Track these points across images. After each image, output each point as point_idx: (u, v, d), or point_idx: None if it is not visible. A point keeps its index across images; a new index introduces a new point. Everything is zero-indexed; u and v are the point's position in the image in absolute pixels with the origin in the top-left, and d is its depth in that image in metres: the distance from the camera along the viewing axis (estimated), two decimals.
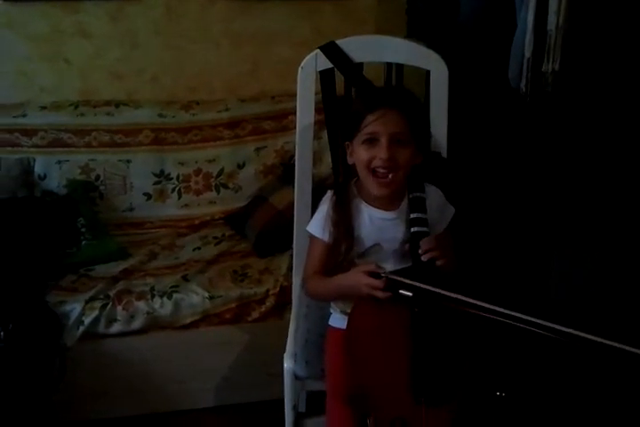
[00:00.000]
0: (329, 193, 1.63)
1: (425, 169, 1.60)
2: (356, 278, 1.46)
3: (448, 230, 1.66)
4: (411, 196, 1.57)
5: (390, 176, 1.49)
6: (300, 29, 2.87)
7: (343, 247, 1.56)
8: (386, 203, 1.58)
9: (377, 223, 1.58)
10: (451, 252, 1.54)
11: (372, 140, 1.48)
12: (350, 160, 1.58)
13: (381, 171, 1.49)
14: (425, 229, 1.52)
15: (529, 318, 1.32)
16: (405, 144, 1.49)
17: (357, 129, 1.50)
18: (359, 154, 1.51)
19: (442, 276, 1.44)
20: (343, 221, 1.56)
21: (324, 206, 1.61)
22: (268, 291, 2.25)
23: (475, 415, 1.44)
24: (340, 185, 1.65)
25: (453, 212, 1.67)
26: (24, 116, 2.64)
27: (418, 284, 1.39)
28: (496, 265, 2.32)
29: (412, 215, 1.54)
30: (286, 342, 1.81)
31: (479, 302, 1.34)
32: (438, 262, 1.46)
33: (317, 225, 1.60)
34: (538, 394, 2.07)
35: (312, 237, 1.62)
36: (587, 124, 2.00)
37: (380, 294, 1.42)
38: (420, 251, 1.47)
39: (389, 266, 1.54)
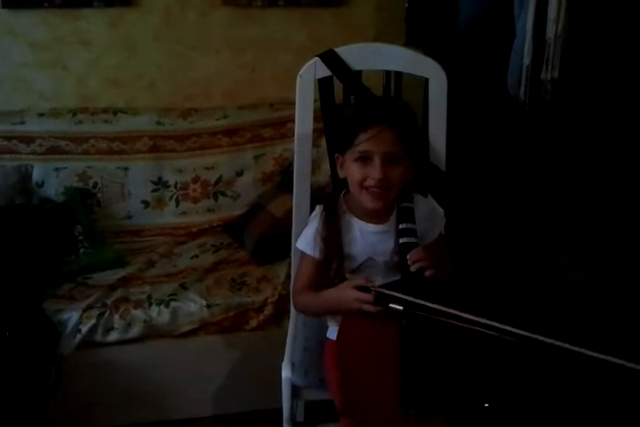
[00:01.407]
0: (318, 208, 1.61)
1: (414, 180, 1.58)
2: (345, 293, 1.45)
3: (440, 240, 1.66)
4: (399, 206, 1.56)
5: (383, 193, 1.48)
6: (298, 37, 2.87)
7: (334, 264, 1.55)
8: (376, 216, 1.57)
9: (368, 238, 1.57)
10: (443, 261, 1.53)
11: (364, 159, 1.46)
12: (341, 173, 1.56)
13: (375, 190, 1.47)
14: (413, 239, 1.51)
15: (518, 332, 1.31)
16: (399, 162, 1.47)
17: (349, 145, 1.48)
18: (352, 171, 1.49)
19: (431, 286, 1.43)
20: (333, 239, 1.55)
21: (314, 223, 1.59)
22: (266, 299, 2.24)
23: None
24: (329, 200, 1.63)
25: (444, 220, 1.66)
26: (22, 123, 2.63)
27: (407, 297, 1.37)
28: (495, 271, 2.32)
29: (400, 226, 1.53)
30: (285, 350, 1.81)
31: (469, 316, 1.33)
32: (427, 273, 1.44)
33: (307, 242, 1.58)
34: (526, 405, 2.06)
35: (302, 254, 1.60)
36: (586, 132, 2.00)
37: (369, 309, 1.40)
38: (408, 262, 1.46)
39: (382, 279, 1.54)
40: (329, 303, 1.52)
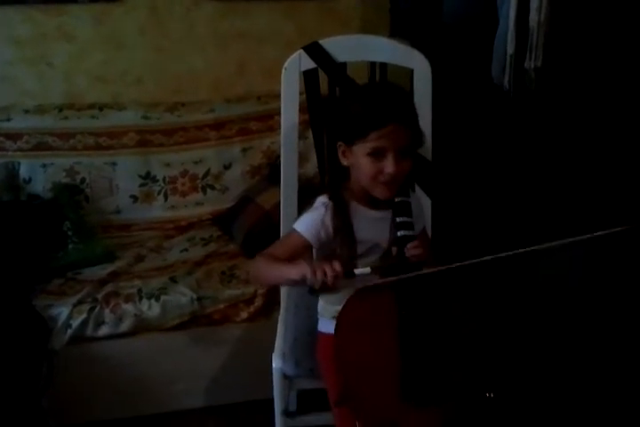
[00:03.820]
0: (323, 199, 1.58)
1: (412, 175, 1.60)
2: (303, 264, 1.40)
3: (425, 232, 1.70)
4: (396, 200, 1.56)
5: (395, 185, 1.51)
6: (284, 30, 2.87)
7: (346, 253, 1.54)
8: (377, 203, 1.57)
9: (374, 224, 1.58)
10: (430, 250, 1.56)
11: (377, 154, 1.46)
12: (344, 161, 1.55)
13: (388, 183, 1.49)
14: (411, 232, 1.52)
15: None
16: (408, 155, 1.49)
17: (360, 138, 1.47)
18: (363, 165, 1.49)
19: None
20: (346, 229, 1.54)
21: (319, 212, 1.55)
22: (256, 291, 2.24)
23: (465, 417, 1.44)
24: (334, 190, 1.60)
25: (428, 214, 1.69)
26: (8, 120, 2.62)
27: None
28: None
29: (397, 219, 1.54)
30: (275, 341, 1.82)
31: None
32: (424, 266, 1.45)
33: (307, 226, 1.55)
34: (528, 395, 2.08)
35: (294, 233, 1.56)
36: (570, 120, 2.02)
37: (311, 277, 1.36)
38: (406, 254, 1.48)
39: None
40: (285, 271, 1.44)
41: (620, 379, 1.96)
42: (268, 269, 1.51)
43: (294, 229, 1.56)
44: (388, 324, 1.43)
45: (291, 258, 1.51)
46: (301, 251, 1.55)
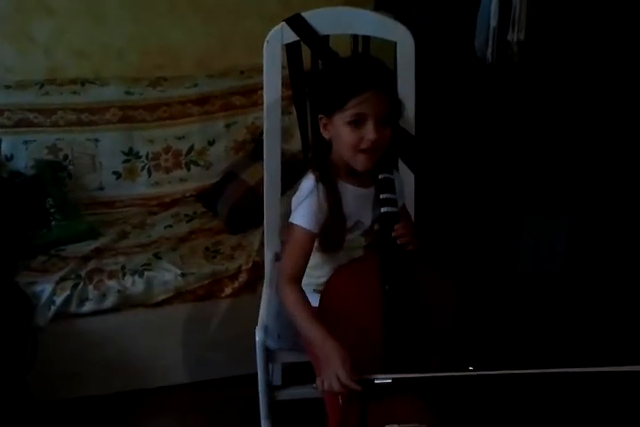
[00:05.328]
0: (310, 183, 1.56)
1: (394, 149, 1.61)
2: (333, 358, 1.34)
3: (404, 206, 1.73)
4: (380, 177, 1.57)
5: (375, 154, 1.51)
6: (269, 3, 2.84)
7: (336, 230, 1.55)
8: (359, 179, 1.58)
9: (358, 201, 1.59)
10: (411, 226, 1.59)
11: (357, 122, 1.46)
12: (326, 134, 1.55)
13: (368, 151, 1.49)
14: (395, 209, 1.55)
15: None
16: (388, 123, 1.49)
17: (340, 108, 1.47)
18: (344, 135, 1.49)
19: (409, 256, 1.50)
20: (336, 207, 1.55)
21: (311, 201, 1.53)
22: (240, 267, 2.25)
23: (446, 390, 1.45)
24: (320, 170, 1.58)
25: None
26: None
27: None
28: (466, 233, 2.34)
29: (382, 196, 1.56)
30: (259, 315, 1.82)
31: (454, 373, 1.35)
32: (410, 247, 1.51)
33: (307, 217, 1.53)
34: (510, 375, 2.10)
35: (296, 228, 1.54)
36: (552, 93, 2.02)
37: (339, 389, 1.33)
38: (394, 233, 1.51)
39: (365, 241, 1.62)
40: (311, 339, 1.43)
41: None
42: (298, 320, 1.46)
43: (295, 225, 1.54)
44: (372, 299, 1.44)
45: (310, 255, 1.53)
46: (312, 242, 1.55)
